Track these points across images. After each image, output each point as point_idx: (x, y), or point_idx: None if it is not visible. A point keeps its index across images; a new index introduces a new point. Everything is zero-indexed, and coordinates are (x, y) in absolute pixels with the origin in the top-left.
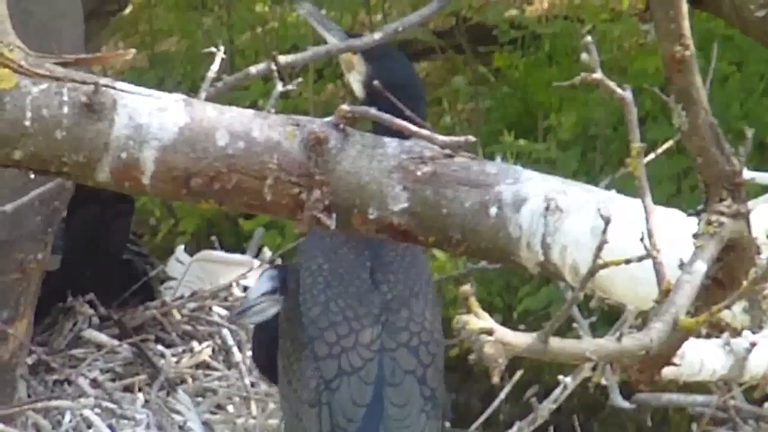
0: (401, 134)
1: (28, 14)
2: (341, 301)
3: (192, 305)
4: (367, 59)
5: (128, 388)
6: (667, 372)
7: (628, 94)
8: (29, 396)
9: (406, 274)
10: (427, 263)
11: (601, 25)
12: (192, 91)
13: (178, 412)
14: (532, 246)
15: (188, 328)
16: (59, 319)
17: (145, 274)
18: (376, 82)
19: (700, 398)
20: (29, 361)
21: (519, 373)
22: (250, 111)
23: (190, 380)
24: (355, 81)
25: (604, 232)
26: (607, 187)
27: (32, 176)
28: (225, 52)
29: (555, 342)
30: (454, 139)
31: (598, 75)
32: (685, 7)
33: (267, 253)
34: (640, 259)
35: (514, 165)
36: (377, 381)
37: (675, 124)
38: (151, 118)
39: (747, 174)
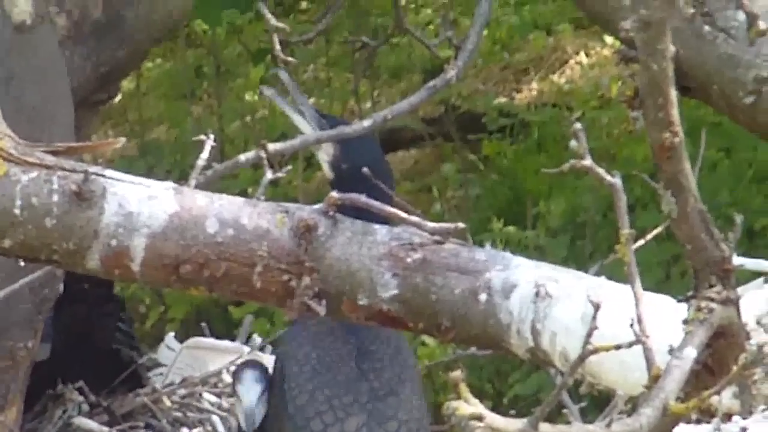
0: (386, 221)
1: (19, 102)
2: (327, 390)
3: (182, 392)
4: (335, 141)
5: None
6: None
7: (617, 181)
8: None
9: (391, 362)
10: (410, 350)
11: (590, 112)
12: (182, 179)
13: None
14: (522, 332)
15: (178, 414)
16: (49, 406)
17: (134, 362)
18: (344, 166)
19: None
20: None
21: None
22: (240, 199)
23: None
24: (324, 162)
25: (594, 318)
26: (597, 274)
27: (22, 264)
28: (215, 141)
29: (545, 428)
30: (444, 225)
31: (587, 162)
32: (674, 95)
33: (257, 340)
34: (630, 344)
35: (503, 252)
36: None
37: (664, 210)
38: (141, 206)
39: (736, 260)
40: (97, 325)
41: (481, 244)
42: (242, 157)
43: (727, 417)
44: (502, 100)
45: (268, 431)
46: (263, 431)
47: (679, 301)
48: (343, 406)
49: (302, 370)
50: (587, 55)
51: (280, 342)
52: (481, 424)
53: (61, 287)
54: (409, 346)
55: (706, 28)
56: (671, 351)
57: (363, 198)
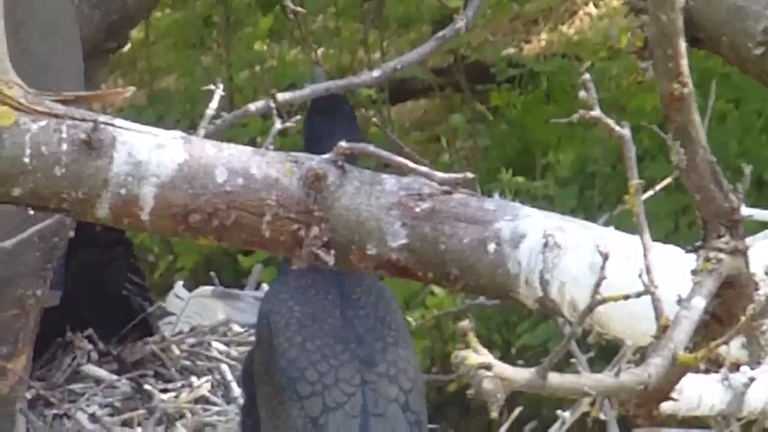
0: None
1: (27, 52)
2: (317, 340)
3: (191, 340)
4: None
5: (127, 423)
6: (666, 407)
7: (626, 132)
8: (28, 430)
9: (375, 308)
10: (393, 295)
11: (599, 63)
12: (191, 128)
13: None
14: (531, 282)
15: (187, 363)
16: (58, 354)
17: (143, 310)
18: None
19: None
20: (28, 395)
21: (518, 409)
22: (249, 148)
23: (189, 415)
24: None
25: (603, 268)
26: (606, 224)
27: (31, 212)
28: (224, 90)
29: (553, 377)
30: (453, 175)
31: (596, 113)
32: (683, 46)
33: (265, 288)
34: (639, 295)
35: (512, 202)
36: (363, 413)
37: (673, 161)
38: (150, 155)
39: (745, 211)
40: (107, 269)
41: (489, 194)
42: (251, 106)
43: (736, 367)
44: (511, 50)
45: (260, 391)
46: (258, 387)
47: (688, 251)
48: (335, 354)
49: (288, 323)
50: (596, 5)
51: (264, 300)
52: (490, 374)
53: (71, 234)
54: (418, 295)
55: None
56: (680, 301)
57: (372, 147)
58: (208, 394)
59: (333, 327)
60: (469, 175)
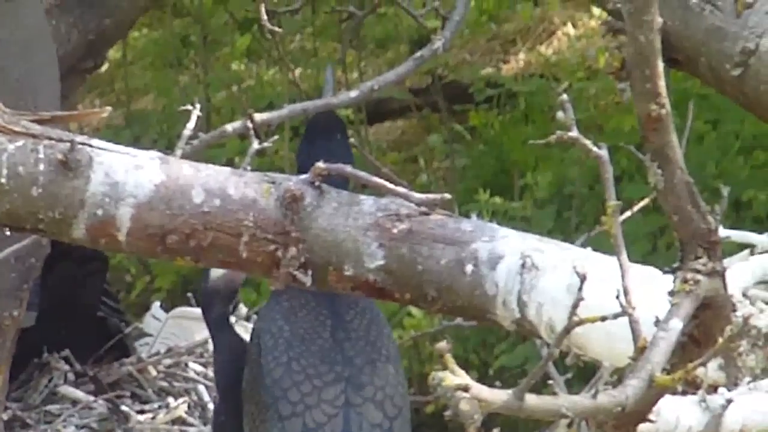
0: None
1: (4, 71)
2: (303, 361)
3: (168, 361)
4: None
5: None
6: (643, 429)
7: (604, 153)
8: None
9: (367, 332)
10: (385, 320)
11: (577, 83)
12: (168, 148)
13: None
14: (508, 303)
15: (164, 384)
16: (34, 375)
17: (120, 331)
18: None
19: None
20: (4, 417)
21: (495, 430)
22: (226, 168)
23: None
24: None
25: (580, 289)
26: (583, 245)
27: (8, 233)
28: (201, 110)
29: (531, 398)
30: (430, 196)
31: (573, 133)
32: (661, 67)
33: (243, 309)
34: (616, 316)
35: (490, 223)
36: None
37: (651, 182)
38: (128, 175)
39: (723, 232)
40: (84, 284)
41: (467, 215)
42: (229, 126)
43: (713, 389)
44: (489, 70)
45: (245, 409)
46: (245, 404)
47: (665, 272)
48: (320, 375)
49: (277, 343)
50: (574, 26)
51: (258, 318)
52: (467, 395)
53: (48, 250)
54: (396, 316)
55: None
56: (657, 323)
57: (349, 168)
58: (185, 415)
59: (321, 348)
60: (447, 196)
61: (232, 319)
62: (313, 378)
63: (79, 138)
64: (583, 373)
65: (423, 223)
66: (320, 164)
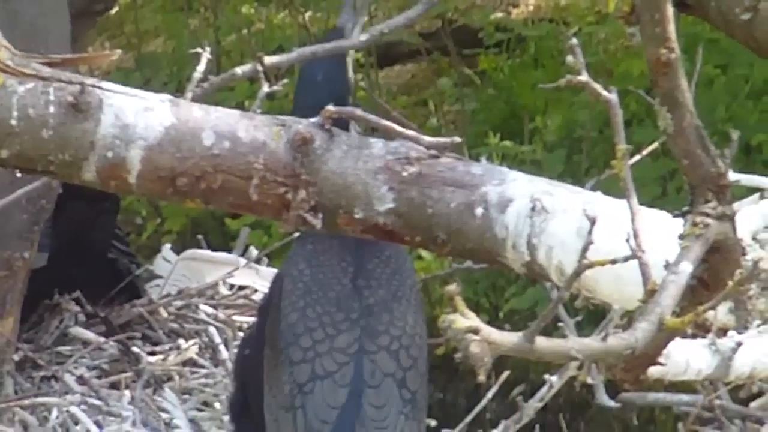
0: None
1: (14, 14)
2: (319, 307)
3: (178, 303)
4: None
5: (114, 386)
6: (653, 371)
7: (613, 97)
8: (16, 393)
9: (388, 280)
10: (412, 270)
11: (586, 27)
12: (178, 91)
13: (164, 410)
14: (518, 246)
15: (175, 326)
16: (45, 316)
17: (131, 273)
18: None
19: (685, 398)
20: (16, 357)
21: (506, 373)
22: (236, 111)
23: (176, 378)
24: None
25: (590, 232)
26: (593, 189)
27: (19, 175)
28: (211, 53)
29: (541, 341)
30: (440, 140)
31: (583, 77)
32: (670, 11)
33: (253, 252)
34: (626, 259)
35: (499, 166)
36: (355, 383)
37: (660, 126)
38: (137, 117)
39: (732, 176)
40: (95, 224)
41: (477, 159)
42: (239, 70)
43: (723, 332)
44: (499, 14)
45: (265, 352)
46: (265, 346)
47: (675, 216)
48: (334, 323)
49: (296, 287)
50: None
51: (284, 262)
52: (477, 338)
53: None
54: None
55: None
56: (667, 266)
57: (359, 111)
58: (195, 357)
59: (338, 295)
60: (457, 139)
61: (242, 261)
62: (327, 326)
63: (89, 80)
64: (593, 316)
65: (433, 167)
66: (330, 107)
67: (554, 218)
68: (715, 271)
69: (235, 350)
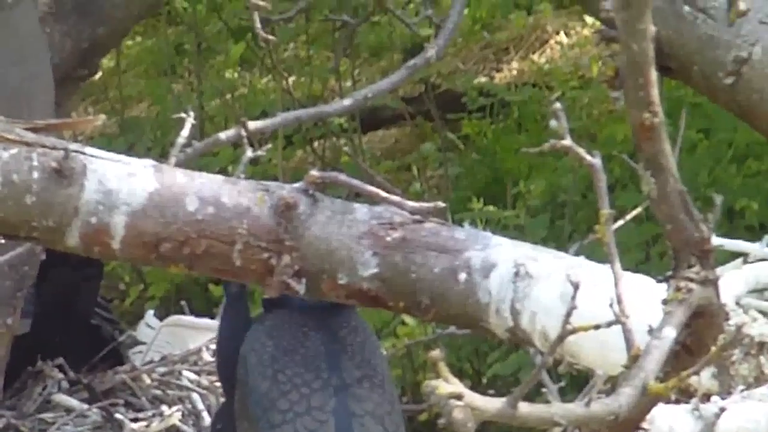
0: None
1: None
2: (289, 371)
3: (161, 370)
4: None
5: None
6: None
7: (597, 161)
8: None
9: (361, 349)
10: (376, 338)
11: (570, 92)
12: (162, 156)
13: None
14: (501, 312)
15: (158, 392)
16: (29, 383)
17: (113, 339)
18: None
19: None
20: None
21: None
22: (220, 177)
23: None
24: None
25: (574, 297)
26: (576, 254)
27: (2, 241)
28: (195, 118)
29: (524, 407)
30: (424, 205)
31: (567, 142)
32: (654, 75)
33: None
34: (609, 324)
35: (483, 231)
36: None
37: (644, 191)
38: (121, 183)
39: (716, 241)
40: (79, 291)
41: (460, 224)
42: (222, 135)
43: (706, 397)
44: (482, 79)
45: (241, 420)
46: (237, 421)
47: (659, 281)
48: (306, 383)
49: (261, 359)
50: (567, 34)
51: (244, 343)
52: (461, 403)
53: (43, 256)
54: (389, 324)
55: (686, 8)
56: (650, 331)
57: (343, 176)
58: (179, 424)
59: (304, 357)
60: (440, 204)
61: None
62: (301, 387)
63: (72, 146)
64: (577, 382)
65: (416, 232)
66: (314, 172)
67: (538, 283)
68: (699, 336)
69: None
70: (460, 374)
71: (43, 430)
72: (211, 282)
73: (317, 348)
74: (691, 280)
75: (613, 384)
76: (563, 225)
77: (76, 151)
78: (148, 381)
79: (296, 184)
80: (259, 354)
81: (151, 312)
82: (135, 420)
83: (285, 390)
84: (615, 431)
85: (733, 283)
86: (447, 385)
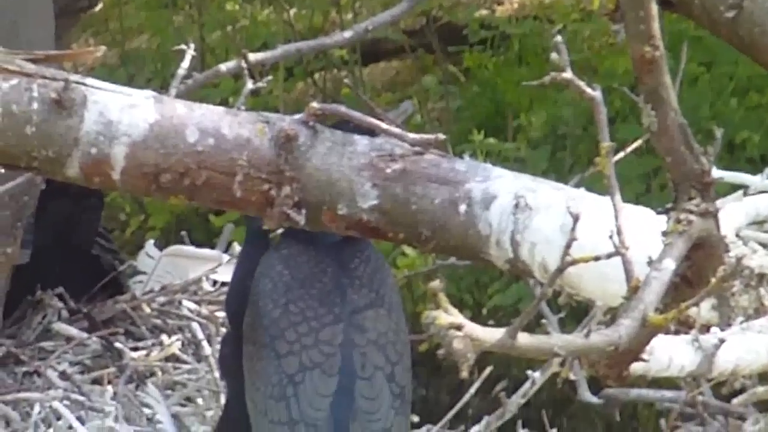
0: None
1: None
2: (301, 303)
3: (162, 299)
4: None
5: (97, 381)
6: (636, 368)
7: (597, 94)
8: None
9: (371, 278)
10: (390, 269)
11: (571, 25)
12: (162, 88)
13: (147, 405)
14: (502, 243)
15: (158, 321)
16: (28, 312)
17: (114, 269)
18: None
19: (668, 394)
20: None
21: (488, 369)
22: (220, 108)
23: (159, 373)
24: None
25: (573, 229)
26: (577, 186)
27: (1, 171)
28: (195, 50)
29: (524, 337)
30: (425, 136)
31: (567, 75)
32: (655, 9)
33: (237, 248)
34: (609, 256)
35: (483, 163)
36: (347, 374)
37: (644, 123)
38: (122, 114)
39: (716, 173)
40: (79, 221)
41: (461, 156)
42: (223, 66)
43: (706, 329)
44: (484, 12)
45: (245, 351)
46: (244, 344)
47: (659, 213)
48: (318, 317)
49: (276, 286)
50: None
51: (259, 267)
52: (460, 334)
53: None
54: (389, 256)
55: None
56: (650, 263)
57: (343, 108)
58: (178, 353)
59: (320, 291)
60: (441, 136)
61: (225, 257)
62: (311, 320)
63: (73, 77)
64: (576, 313)
65: (417, 163)
66: (314, 104)
67: (538, 215)
68: (699, 267)
69: (218, 346)
70: (460, 305)
71: (43, 358)
72: (212, 213)
73: (331, 282)
74: (692, 212)
75: (612, 315)
76: (564, 157)
77: (76, 82)
78: (148, 310)
79: (297, 116)
80: (274, 281)
81: (151, 242)
82: (135, 349)
83: (295, 321)
84: (614, 362)
85: (733, 215)
86: (447, 315)
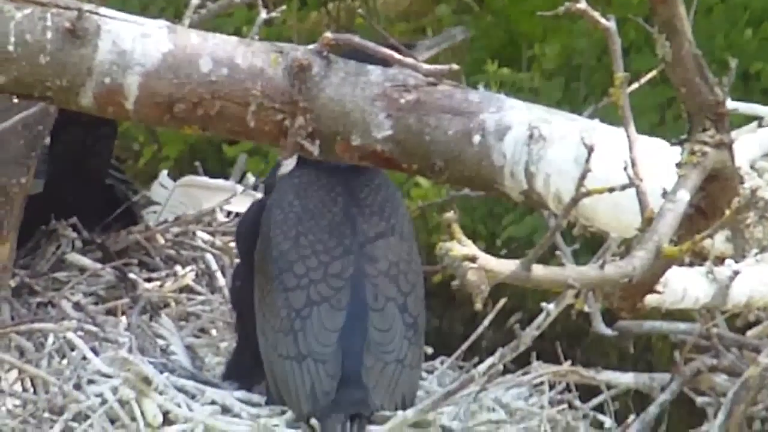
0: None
1: None
2: (311, 235)
3: (175, 230)
4: None
5: (111, 312)
6: (650, 299)
7: (612, 25)
8: (12, 318)
9: (381, 208)
10: (401, 198)
11: None
12: (176, 17)
13: (160, 336)
14: (516, 174)
15: (171, 252)
16: (42, 242)
17: (128, 199)
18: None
19: (682, 326)
20: (12, 283)
21: (502, 301)
22: (234, 38)
23: (173, 304)
24: None
25: (588, 160)
26: (591, 117)
27: (15, 101)
28: None
29: (538, 269)
30: (438, 67)
31: (582, 5)
32: None
33: (250, 178)
34: (624, 187)
35: (497, 94)
36: (353, 307)
37: (659, 54)
38: (135, 44)
39: (730, 104)
40: (92, 150)
41: (475, 86)
42: None
43: (720, 260)
44: None
45: (255, 279)
46: (255, 274)
47: (673, 144)
48: (327, 250)
49: (287, 217)
50: None
51: (271, 196)
52: (474, 265)
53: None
54: (403, 186)
55: None
56: (665, 194)
57: (357, 38)
58: (192, 284)
59: (330, 223)
60: (455, 66)
61: (239, 188)
62: (320, 253)
63: (86, 6)
64: (591, 244)
65: (430, 94)
66: (328, 34)
67: (552, 146)
68: (713, 199)
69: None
70: (474, 236)
71: (57, 289)
72: (225, 143)
73: (342, 212)
74: (706, 143)
75: (627, 247)
76: (578, 88)
77: (90, 12)
78: (161, 241)
79: (310, 46)
80: (285, 211)
81: (165, 172)
82: (148, 280)
83: (304, 254)
84: (629, 294)
85: (747, 146)
86: (461, 247)
